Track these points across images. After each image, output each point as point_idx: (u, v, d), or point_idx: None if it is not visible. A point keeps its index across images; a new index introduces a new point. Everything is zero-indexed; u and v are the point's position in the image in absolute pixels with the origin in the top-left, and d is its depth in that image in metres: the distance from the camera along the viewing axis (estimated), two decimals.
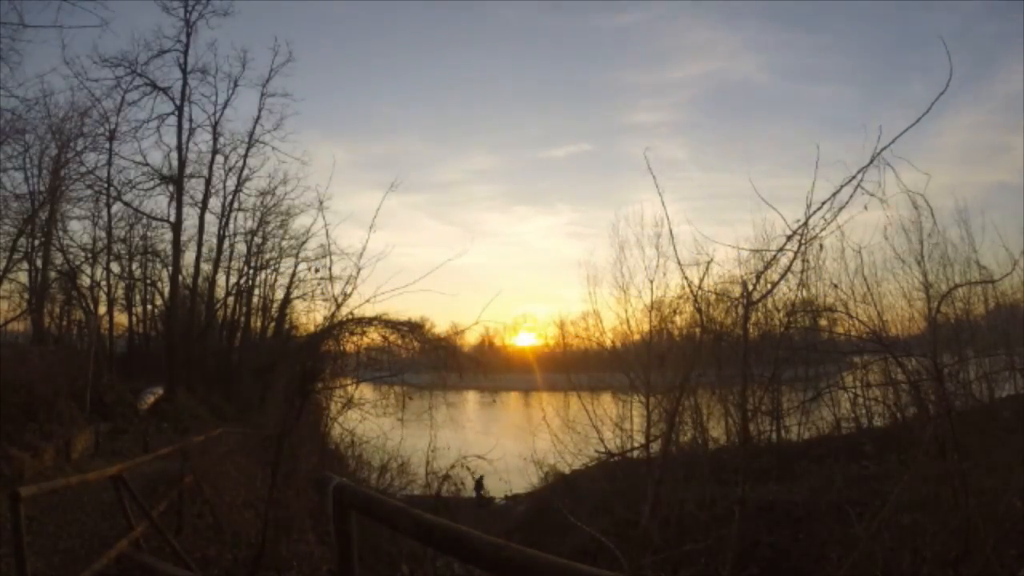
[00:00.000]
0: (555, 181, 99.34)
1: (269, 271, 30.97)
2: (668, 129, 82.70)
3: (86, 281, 23.78)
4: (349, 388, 7.26)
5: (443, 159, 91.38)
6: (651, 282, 13.42)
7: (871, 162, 4.49)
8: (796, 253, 5.27)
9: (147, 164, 24.63)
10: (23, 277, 21.67)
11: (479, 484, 17.66)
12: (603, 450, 13.31)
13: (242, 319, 30.85)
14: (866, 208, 4.70)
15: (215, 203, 27.06)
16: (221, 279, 28.97)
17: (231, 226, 28.31)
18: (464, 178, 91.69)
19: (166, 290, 26.89)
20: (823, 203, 4.79)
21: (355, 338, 6.68)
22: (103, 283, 24.52)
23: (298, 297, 30.40)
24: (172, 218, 24.93)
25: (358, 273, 6.24)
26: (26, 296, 21.53)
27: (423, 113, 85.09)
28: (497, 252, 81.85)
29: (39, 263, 21.57)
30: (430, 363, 6.97)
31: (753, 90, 77.61)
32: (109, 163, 23.54)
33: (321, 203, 8.16)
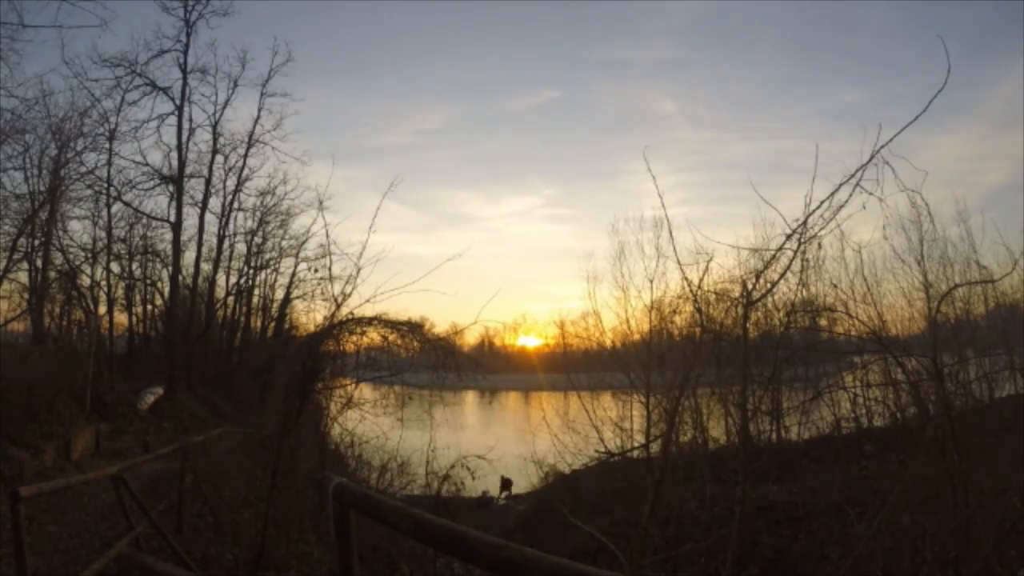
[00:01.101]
0: (522, 143, 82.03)
1: (269, 271, 31.09)
2: (648, 69, 71.26)
3: (86, 281, 23.76)
4: (349, 388, 7.26)
5: (384, 116, 71.25)
6: (651, 282, 13.43)
7: (870, 160, 4.50)
8: (795, 252, 5.29)
9: (147, 164, 24.72)
10: (23, 277, 21.65)
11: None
12: (603, 450, 13.30)
13: (242, 319, 30.89)
14: (864, 207, 4.71)
15: (215, 203, 27.21)
16: (221, 279, 29.08)
17: (231, 226, 28.44)
18: (415, 142, 74.28)
19: (166, 290, 26.93)
20: (822, 202, 4.80)
21: (355, 338, 6.68)
22: (103, 283, 24.52)
23: (298, 297, 30.51)
24: (172, 218, 25.01)
25: (358, 273, 6.24)
26: (26, 296, 21.50)
27: (349, 55, 65.31)
28: (475, 239, 70.81)
29: (39, 263, 21.56)
30: (429, 363, 6.97)
31: (750, 6, 62.55)
32: (109, 163, 23.60)
33: (321, 203, 8.17)
